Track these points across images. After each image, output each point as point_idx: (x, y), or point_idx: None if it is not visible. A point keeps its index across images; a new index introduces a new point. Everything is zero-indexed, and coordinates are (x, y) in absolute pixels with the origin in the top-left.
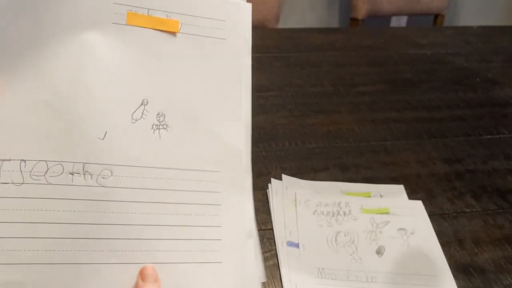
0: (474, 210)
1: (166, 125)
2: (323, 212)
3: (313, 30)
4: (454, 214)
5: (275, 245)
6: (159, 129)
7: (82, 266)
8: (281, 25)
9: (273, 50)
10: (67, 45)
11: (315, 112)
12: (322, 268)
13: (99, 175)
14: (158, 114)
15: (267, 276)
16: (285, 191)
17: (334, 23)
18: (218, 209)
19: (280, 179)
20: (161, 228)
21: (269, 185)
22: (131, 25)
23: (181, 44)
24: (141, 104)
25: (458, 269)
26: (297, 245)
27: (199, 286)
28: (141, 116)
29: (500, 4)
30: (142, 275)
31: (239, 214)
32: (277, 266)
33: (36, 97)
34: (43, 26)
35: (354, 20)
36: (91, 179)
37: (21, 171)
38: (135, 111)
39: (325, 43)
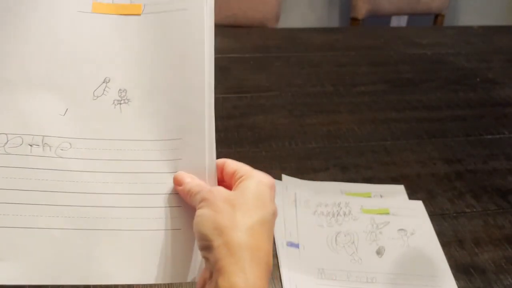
0: (474, 210)
1: (128, 99)
2: (323, 212)
3: (313, 30)
4: (454, 214)
5: (275, 245)
6: (120, 104)
7: (38, 231)
8: (281, 25)
9: (273, 50)
10: (31, 27)
11: (315, 112)
12: (322, 269)
13: (58, 147)
14: (119, 90)
15: None
16: (285, 191)
17: (334, 23)
18: None
19: (280, 179)
20: (120, 196)
21: None
22: (96, 13)
23: (143, 23)
24: (103, 82)
25: (459, 269)
26: (297, 246)
27: (158, 252)
28: (103, 93)
29: (500, 4)
30: (177, 181)
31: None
32: (277, 266)
33: (1, 73)
34: (9, 7)
35: (354, 20)
36: (50, 150)
37: None
38: (96, 88)
39: (325, 43)
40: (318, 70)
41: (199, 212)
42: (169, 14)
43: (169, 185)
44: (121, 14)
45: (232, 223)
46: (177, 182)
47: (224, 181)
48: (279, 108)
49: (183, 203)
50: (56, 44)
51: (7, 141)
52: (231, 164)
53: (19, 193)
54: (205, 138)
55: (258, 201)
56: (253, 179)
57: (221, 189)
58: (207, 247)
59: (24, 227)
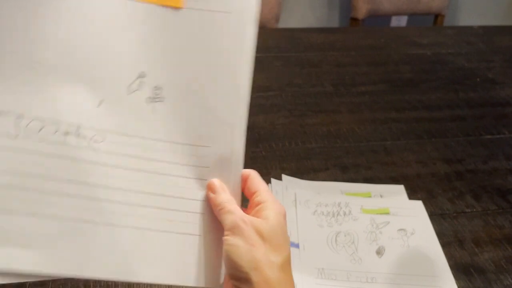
0: (474, 210)
1: (162, 98)
2: (323, 212)
3: (313, 30)
4: (454, 214)
5: None
6: (154, 102)
7: (67, 222)
8: (281, 25)
9: (273, 50)
10: (70, 11)
11: (315, 112)
12: (322, 269)
13: (91, 139)
14: (155, 87)
15: None
16: (285, 191)
17: (334, 23)
18: (205, 184)
19: (280, 179)
20: (146, 195)
21: (269, 185)
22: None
23: (185, 18)
24: (139, 76)
25: (459, 269)
26: (297, 245)
27: (180, 256)
28: (137, 88)
29: (500, 4)
30: (211, 188)
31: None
32: None
33: (38, 56)
34: None
35: (354, 20)
36: (84, 141)
37: (17, 126)
38: (132, 82)
39: (325, 43)
40: (318, 70)
41: (232, 241)
42: (211, 15)
43: (194, 190)
44: (159, 4)
45: (267, 259)
46: (210, 188)
47: (243, 192)
48: (279, 108)
49: (206, 210)
50: (89, 31)
51: (43, 127)
52: (255, 181)
53: (52, 182)
54: (234, 152)
55: (283, 236)
56: (273, 210)
57: (252, 218)
58: (242, 279)
59: (53, 217)
